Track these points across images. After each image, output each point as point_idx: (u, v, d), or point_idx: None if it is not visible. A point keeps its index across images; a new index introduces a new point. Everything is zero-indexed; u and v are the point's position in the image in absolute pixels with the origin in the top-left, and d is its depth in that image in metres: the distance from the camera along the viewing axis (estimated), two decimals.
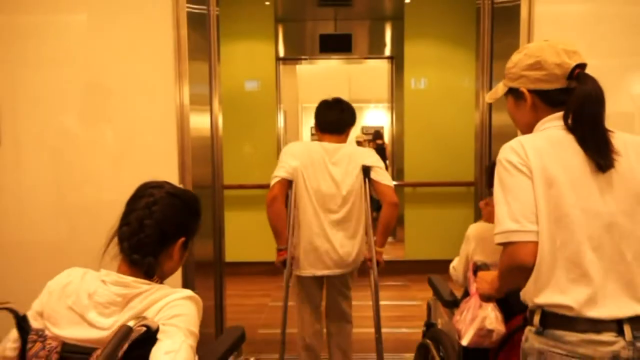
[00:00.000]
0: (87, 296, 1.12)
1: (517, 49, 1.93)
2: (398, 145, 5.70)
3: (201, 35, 2.36)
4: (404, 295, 4.35)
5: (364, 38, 5.77)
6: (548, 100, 1.21)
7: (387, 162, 6.89)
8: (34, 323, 1.14)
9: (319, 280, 2.39)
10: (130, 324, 0.99)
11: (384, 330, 2.81)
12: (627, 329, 1.09)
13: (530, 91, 1.23)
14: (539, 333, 1.15)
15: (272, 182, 2.29)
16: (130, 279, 1.13)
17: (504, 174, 1.16)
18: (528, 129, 1.25)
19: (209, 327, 2.46)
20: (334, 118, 2.36)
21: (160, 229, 1.18)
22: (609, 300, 1.11)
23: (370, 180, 2.30)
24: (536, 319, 1.15)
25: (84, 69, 2.21)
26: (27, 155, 2.24)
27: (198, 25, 2.32)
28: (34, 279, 2.24)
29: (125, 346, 0.98)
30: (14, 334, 1.15)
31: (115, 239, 1.22)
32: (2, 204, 2.24)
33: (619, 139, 1.17)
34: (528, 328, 1.19)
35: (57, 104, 2.22)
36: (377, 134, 7.87)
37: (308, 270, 2.31)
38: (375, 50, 5.81)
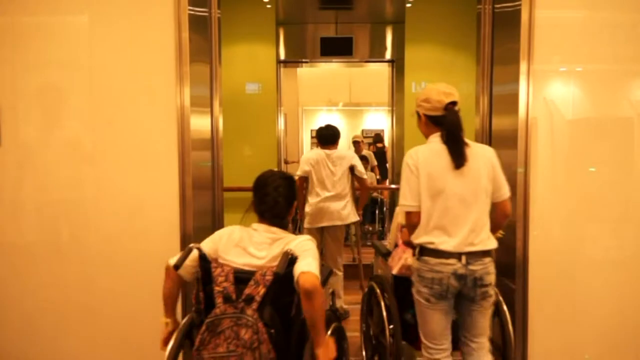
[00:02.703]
0: (247, 238, 1.82)
1: (518, 53, 2.05)
2: (398, 148, 5.70)
3: (202, 38, 2.37)
4: None
5: (364, 41, 5.77)
6: (434, 121, 2.00)
7: (388, 165, 6.88)
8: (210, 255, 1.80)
9: (320, 229, 3.73)
10: (288, 250, 1.70)
11: None
12: (463, 258, 1.91)
13: (424, 115, 2.02)
14: (417, 259, 1.98)
15: (296, 177, 3.38)
16: (274, 229, 1.85)
17: (403, 170, 2.00)
18: (426, 136, 2.05)
19: None
20: (330, 137, 3.77)
21: (286, 201, 1.89)
22: (457, 242, 1.91)
23: (354, 174, 3.73)
24: (417, 251, 1.99)
25: (85, 70, 2.21)
26: (27, 156, 2.24)
27: (199, 27, 2.32)
28: (33, 279, 2.25)
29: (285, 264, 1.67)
30: (194, 258, 1.77)
31: None
32: (2, 205, 2.24)
33: (471, 149, 1.94)
34: (414, 257, 2.00)
35: (58, 105, 2.22)
36: (378, 137, 7.87)
37: (314, 224, 3.68)
38: (376, 54, 5.81)
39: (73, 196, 2.23)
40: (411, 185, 1.96)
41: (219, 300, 1.69)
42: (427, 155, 1.95)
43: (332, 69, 8.21)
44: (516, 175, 2.23)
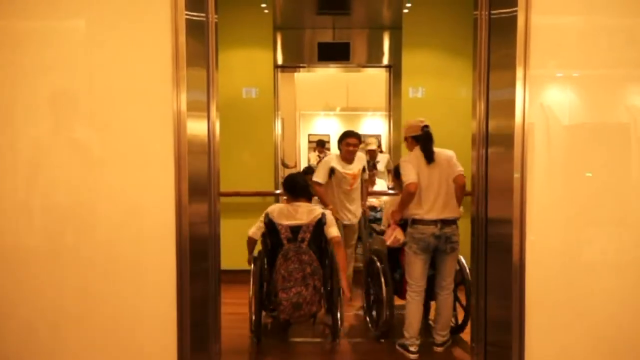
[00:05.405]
0: (294, 211, 3.30)
1: (514, 58, 2.08)
2: (395, 153, 5.72)
3: (200, 42, 2.36)
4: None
5: (362, 47, 5.80)
6: (415, 139, 3.26)
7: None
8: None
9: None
10: (321, 213, 3.34)
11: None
12: (439, 224, 3.12)
13: (410, 136, 3.29)
14: (410, 226, 3.18)
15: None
16: (309, 203, 3.39)
17: (402, 166, 3.23)
18: (411, 150, 3.29)
19: (204, 334, 2.44)
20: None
21: (308, 185, 3.55)
22: (435, 212, 3.13)
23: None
24: (410, 221, 3.18)
25: (82, 75, 2.20)
26: (23, 160, 2.23)
27: (197, 32, 2.32)
28: (31, 283, 2.23)
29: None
30: (261, 227, 3.31)
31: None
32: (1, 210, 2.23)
33: (436, 152, 3.18)
34: (408, 225, 3.20)
35: (54, 110, 2.21)
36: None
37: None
38: (373, 59, 5.82)
39: (70, 201, 2.22)
40: (410, 170, 3.15)
41: (285, 241, 3.21)
42: (413, 158, 3.22)
43: (329, 74, 8.22)
44: (512, 180, 2.22)
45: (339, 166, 4.28)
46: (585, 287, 2.25)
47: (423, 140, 3.19)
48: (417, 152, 3.19)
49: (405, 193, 3.14)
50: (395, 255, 3.42)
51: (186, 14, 2.18)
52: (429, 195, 3.14)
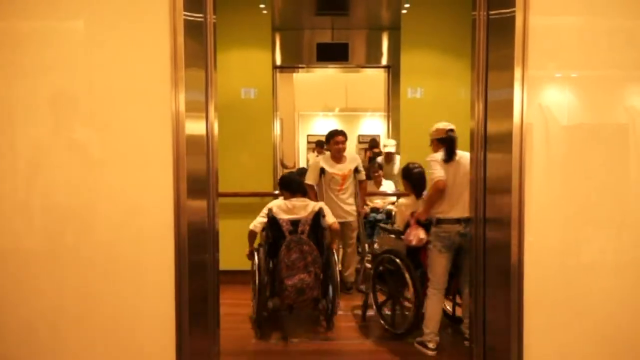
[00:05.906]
0: (292, 206, 3.68)
1: (512, 59, 2.09)
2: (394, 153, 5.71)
3: (198, 43, 2.37)
4: None
5: (360, 47, 5.80)
6: (440, 141, 3.40)
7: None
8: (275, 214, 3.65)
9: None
10: (318, 207, 3.72)
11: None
12: (463, 222, 3.21)
13: (436, 139, 3.44)
14: (434, 226, 3.29)
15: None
16: (305, 198, 3.80)
17: (430, 164, 3.36)
18: (436, 152, 3.41)
19: (202, 335, 2.45)
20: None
21: (303, 181, 4.11)
22: (457, 211, 3.25)
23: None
24: (435, 220, 3.29)
25: (81, 75, 2.20)
26: (22, 161, 2.23)
27: (195, 32, 2.32)
28: (31, 284, 2.23)
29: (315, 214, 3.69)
30: (263, 220, 3.66)
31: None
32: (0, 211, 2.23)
33: (460, 155, 3.32)
34: (432, 224, 3.31)
35: (54, 110, 2.21)
36: (374, 142, 7.88)
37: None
38: (372, 60, 5.83)
39: (70, 201, 2.22)
40: (437, 168, 3.30)
41: (287, 234, 3.51)
42: (439, 158, 3.37)
43: (328, 74, 8.23)
44: (511, 180, 2.23)
45: (327, 166, 4.41)
46: (584, 287, 2.26)
47: (447, 143, 3.36)
48: (442, 152, 3.37)
49: (434, 190, 3.27)
50: (415, 255, 3.48)
51: (184, 15, 2.18)
52: (452, 193, 3.27)
